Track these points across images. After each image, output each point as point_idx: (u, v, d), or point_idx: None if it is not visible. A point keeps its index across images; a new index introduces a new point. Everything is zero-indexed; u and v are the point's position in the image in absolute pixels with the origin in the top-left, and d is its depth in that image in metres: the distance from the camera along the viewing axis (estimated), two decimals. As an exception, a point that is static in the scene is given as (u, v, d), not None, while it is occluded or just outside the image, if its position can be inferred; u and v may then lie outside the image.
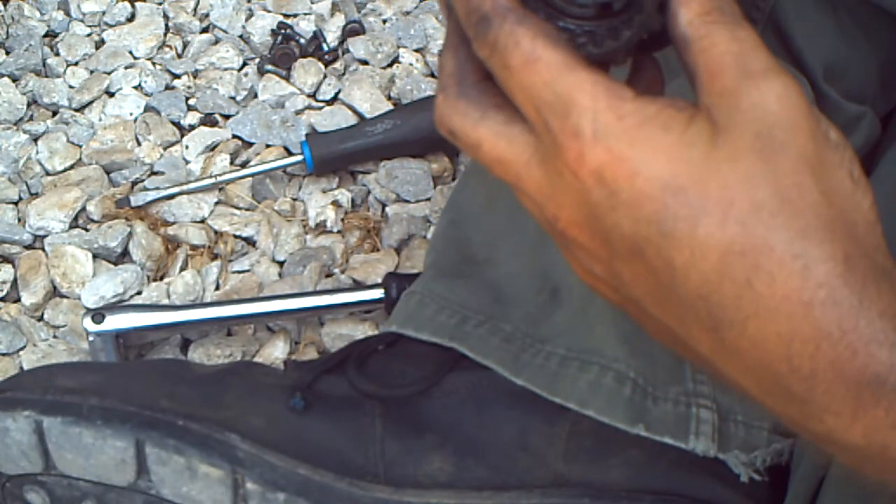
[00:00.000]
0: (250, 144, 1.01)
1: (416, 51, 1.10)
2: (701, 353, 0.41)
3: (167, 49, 1.10)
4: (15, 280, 0.91)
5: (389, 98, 1.05)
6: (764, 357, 0.39)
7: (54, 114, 1.05)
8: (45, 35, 1.12)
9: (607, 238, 0.41)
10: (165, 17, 1.13)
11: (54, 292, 0.91)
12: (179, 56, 1.10)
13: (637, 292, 0.42)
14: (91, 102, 1.05)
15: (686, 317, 0.40)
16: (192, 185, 0.96)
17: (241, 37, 1.11)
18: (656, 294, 0.41)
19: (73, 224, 0.95)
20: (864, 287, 0.38)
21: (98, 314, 0.82)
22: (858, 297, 0.38)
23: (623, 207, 0.40)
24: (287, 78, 1.07)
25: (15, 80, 1.07)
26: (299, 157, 0.97)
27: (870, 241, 0.39)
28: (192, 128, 1.03)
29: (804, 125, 0.39)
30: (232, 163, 1.00)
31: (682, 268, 0.39)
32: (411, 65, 1.08)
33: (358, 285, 0.90)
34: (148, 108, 1.04)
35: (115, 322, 0.83)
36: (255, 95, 1.06)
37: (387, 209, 0.96)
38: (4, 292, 0.90)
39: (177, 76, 1.07)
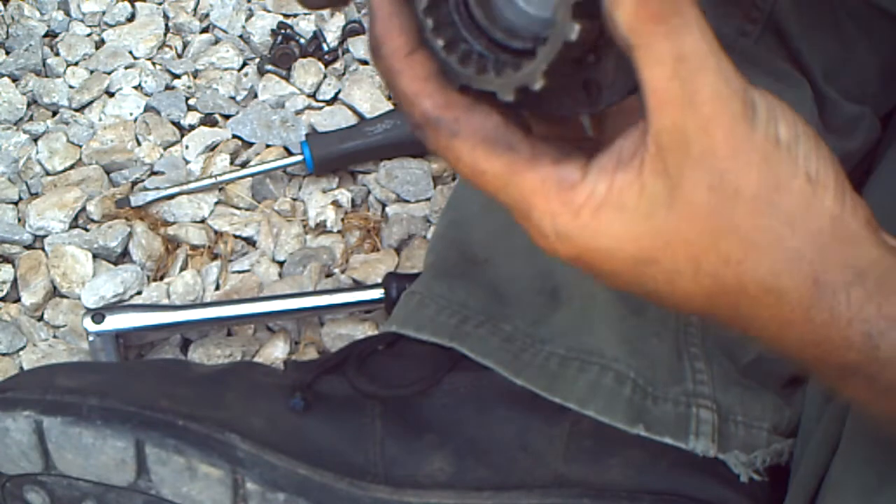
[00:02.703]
0: (250, 144, 1.01)
1: (416, 51, 1.10)
2: None
3: (167, 49, 1.10)
4: (15, 280, 0.91)
5: (389, 98, 1.05)
6: (765, 345, 0.43)
7: (54, 114, 1.05)
8: (45, 35, 1.12)
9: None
10: (165, 17, 1.13)
11: (54, 292, 0.91)
12: (179, 56, 1.10)
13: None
14: (91, 102, 1.05)
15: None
16: (192, 185, 0.96)
17: (241, 37, 1.11)
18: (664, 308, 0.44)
19: (73, 224, 0.95)
20: (833, 300, 0.41)
21: (98, 314, 0.82)
22: (829, 312, 0.41)
23: (604, 278, 0.42)
24: (287, 78, 1.07)
25: (15, 80, 1.07)
26: (299, 157, 0.97)
27: (837, 242, 0.41)
28: (192, 128, 1.03)
29: (753, 157, 0.39)
30: (232, 163, 1.00)
31: (674, 308, 0.43)
32: (411, 65, 1.08)
33: (358, 285, 0.90)
34: (148, 108, 1.04)
35: (115, 322, 0.83)
36: (255, 95, 1.06)
37: (387, 209, 0.96)
38: (4, 292, 0.90)
39: (177, 76, 1.07)
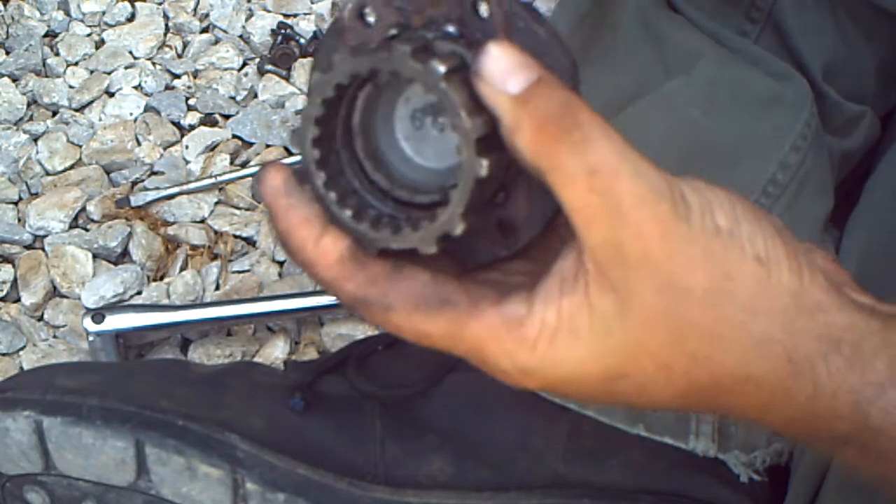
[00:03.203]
0: (250, 144, 1.01)
1: (416, 51, 1.10)
2: None
3: (167, 49, 1.10)
4: (15, 280, 0.91)
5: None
6: (750, 425, 0.43)
7: (54, 114, 1.05)
8: (45, 35, 1.12)
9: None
10: (165, 17, 1.13)
11: (54, 292, 0.91)
12: (179, 56, 1.10)
13: None
14: (91, 102, 1.05)
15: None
16: (192, 185, 0.96)
17: (241, 37, 1.11)
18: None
19: (73, 224, 0.95)
20: (813, 373, 0.40)
21: (98, 314, 0.82)
22: (812, 387, 0.40)
23: (578, 399, 0.43)
24: (287, 78, 1.07)
25: (15, 80, 1.07)
26: (299, 157, 0.96)
27: (804, 315, 0.40)
28: (192, 128, 1.03)
29: (695, 252, 0.38)
30: (232, 163, 1.00)
31: (651, 410, 0.43)
32: (411, 65, 1.08)
33: (358, 285, 0.90)
34: (148, 108, 1.04)
35: (115, 322, 0.83)
36: (255, 95, 1.06)
37: (387, 209, 0.96)
38: (4, 292, 0.90)
39: (177, 76, 1.07)
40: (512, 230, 0.42)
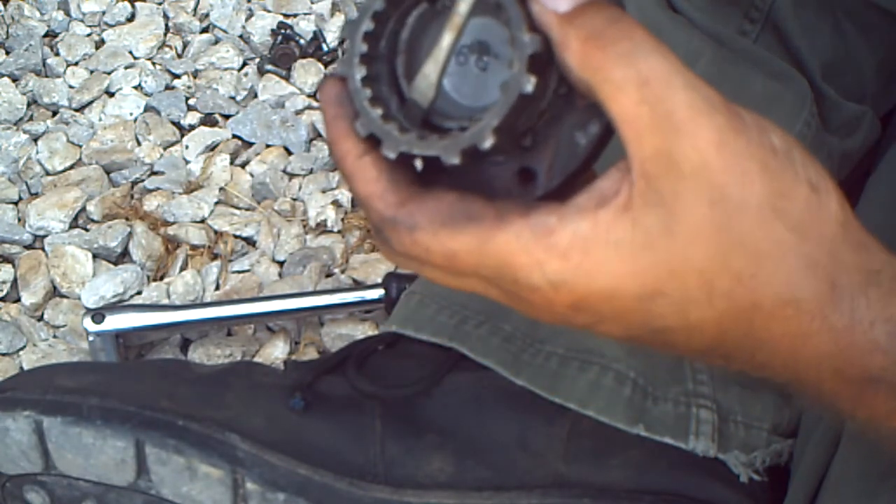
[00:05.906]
0: (250, 144, 1.01)
1: (416, 51, 1.10)
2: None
3: (167, 49, 1.10)
4: (15, 280, 0.91)
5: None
6: (772, 373, 0.42)
7: (54, 114, 1.05)
8: (45, 35, 1.12)
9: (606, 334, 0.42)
10: (165, 17, 1.13)
11: (54, 292, 0.91)
12: (179, 56, 1.10)
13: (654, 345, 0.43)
14: (91, 102, 1.05)
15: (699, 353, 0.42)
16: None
17: (241, 37, 1.11)
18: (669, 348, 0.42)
19: (73, 224, 0.95)
20: (853, 303, 0.39)
21: (98, 314, 0.82)
22: (850, 316, 0.39)
23: (609, 322, 0.40)
24: (287, 78, 1.07)
25: (15, 80, 1.07)
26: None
27: (849, 246, 0.40)
28: (192, 128, 1.03)
29: (752, 166, 0.38)
30: (232, 163, 1.00)
31: (683, 343, 0.41)
32: (411, 65, 1.08)
33: (358, 285, 0.90)
34: (148, 108, 1.04)
35: (115, 322, 0.83)
36: (255, 95, 1.06)
37: (387, 209, 0.96)
38: (4, 292, 0.90)
39: (177, 76, 1.07)
40: (531, 178, 0.42)
